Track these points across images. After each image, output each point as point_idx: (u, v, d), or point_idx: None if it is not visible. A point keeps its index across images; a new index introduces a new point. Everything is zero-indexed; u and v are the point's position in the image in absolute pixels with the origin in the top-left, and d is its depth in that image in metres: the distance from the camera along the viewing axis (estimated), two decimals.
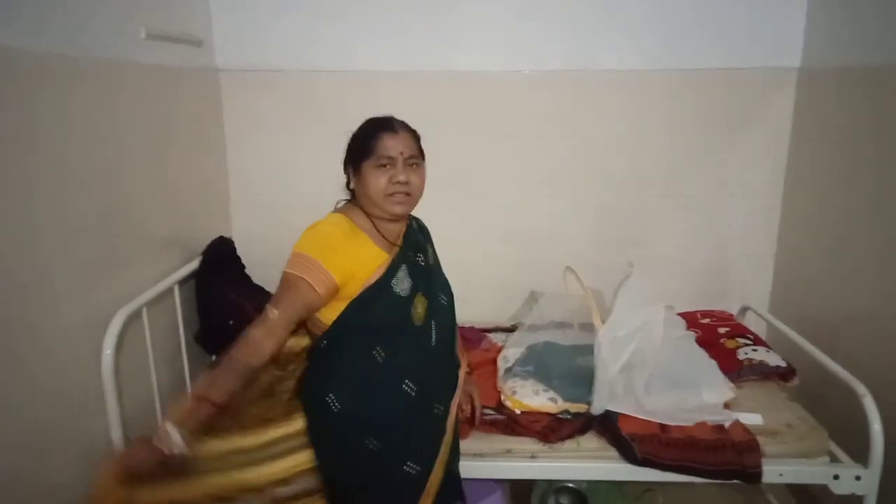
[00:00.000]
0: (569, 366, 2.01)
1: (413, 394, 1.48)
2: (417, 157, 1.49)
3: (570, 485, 2.21)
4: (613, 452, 1.80)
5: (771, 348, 2.22)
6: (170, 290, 2.15)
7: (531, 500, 2.21)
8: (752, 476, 1.74)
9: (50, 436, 1.61)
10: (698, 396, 1.92)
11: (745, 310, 2.58)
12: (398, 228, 1.55)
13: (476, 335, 2.46)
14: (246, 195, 2.75)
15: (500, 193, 2.73)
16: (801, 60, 2.56)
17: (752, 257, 2.78)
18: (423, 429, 1.53)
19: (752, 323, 2.56)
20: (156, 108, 2.12)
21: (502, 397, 1.94)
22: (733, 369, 2.10)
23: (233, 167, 2.72)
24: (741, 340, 2.25)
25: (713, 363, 2.02)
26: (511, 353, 2.18)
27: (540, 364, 2.03)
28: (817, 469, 1.80)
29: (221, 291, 2.34)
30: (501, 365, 2.13)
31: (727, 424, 1.84)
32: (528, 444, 1.82)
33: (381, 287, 1.46)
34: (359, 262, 1.46)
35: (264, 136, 2.68)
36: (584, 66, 2.59)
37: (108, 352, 1.73)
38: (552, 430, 1.82)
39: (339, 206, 1.59)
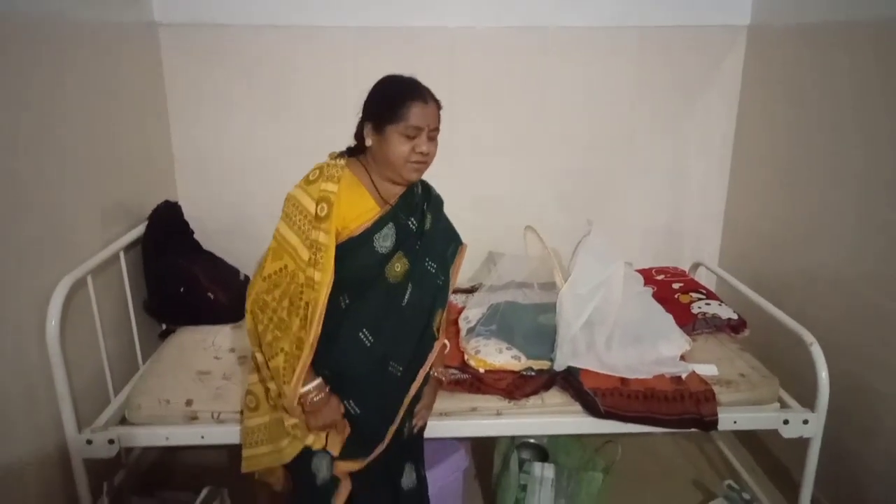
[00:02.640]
0: (531, 324, 2.02)
1: (368, 344, 1.50)
2: (438, 129, 1.48)
3: (532, 440, 2.25)
4: (577, 407, 1.83)
5: (723, 302, 2.28)
6: (115, 258, 2.05)
7: (493, 457, 2.24)
8: (709, 424, 1.81)
9: None
10: (656, 350, 1.96)
11: (696, 266, 2.64)
12: (395, 189, 1.54)
13: None
14: (191, 158, 2.62)
15: (458, 157, 2.68)
16: (750, 18, 2.59)
17: (705, 215, 2.85)
18: (377, 383, 1.54)
19: (703, 279, 2.63)
20: (91, 68, 1.98)
21: (466, 357, 1.94)
22: (688, 323, 2.15)
23: (176, 128, 2.58)
24: (694, 295, 2.31)
25: (669, 317, 2.07)
26: (472, 313, 2.18)
27: (503, 323, 2.03)
28: (768, 415, 1.88)
29: (169, 257, 2.25)
30: (463, 325, 2.12)
31: (684, 376, 1.89)
32: (493, 401, 1.83)
33: (363, 239, 1.48)
34: (353, 213, 1.47)
35: (209, 95, 2.55)
36: (543, 23, 2.56)
37: (53, 323, 1.64)
38: (517, 387, 1.83)
39: (336, 154, 1.55)
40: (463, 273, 2.84)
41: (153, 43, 2.45)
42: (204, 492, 1.85)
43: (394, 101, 1.43)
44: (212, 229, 2.59)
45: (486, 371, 1.88)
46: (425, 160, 1.47)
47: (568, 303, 1.89)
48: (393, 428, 1.57)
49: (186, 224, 2.45)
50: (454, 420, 1.80)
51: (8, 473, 1.58)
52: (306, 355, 1.43)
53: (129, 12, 2.28)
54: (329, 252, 1.42)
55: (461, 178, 2.67)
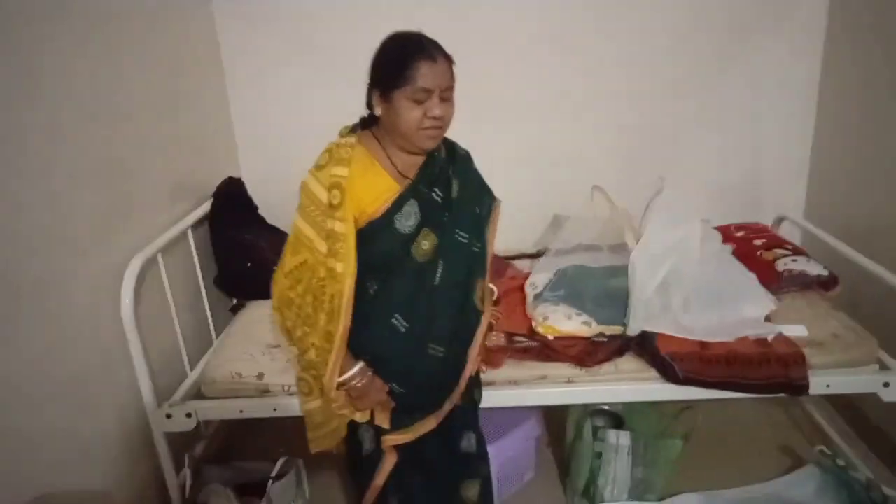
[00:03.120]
0: (601, 288, 1.93)
1: (403, 330, 1.41)
2: (452, 87, 1.33)
3: (606, 407, 2.17)
4: (653, 373, 1.74)
5: (811, 257, 2.12)
6: (184, 235, 2.08)
7: (567, 425, 2.18)
8: (799, 388, 1.69)
9: (81, 389, 1.59)
10: (738, 311, 1.84)
11: (780, 220, 2.47)
12: (415, 160, 1.41)
13: (500, 264, 2.38)
14: (252, 133, 2.63)
15: (518, 119, 2.58)
16: None
17: (787, 163, 2.64)
18: (418, 367, 1.45)
19: (788, 233, 2.46)
20: (147, 41, 1.99)
21: (534, 324, 1.88)
22: (773, 281, 2.01)
23: (235, 104, 2.59)
24: (779, 251, 2.15)
25: (752, 276, 1.94)
26: (539, 278, 2.10)
27: (571, 288, 1.95)
28: (866, 378, 1.74)
29: (235, 233, 2.27)
30: (530, 292, 2.06)
31: (770, 338, 1.77)
32: (563, 369, 1.76)
33: (383, 223, 1.37)
34: (370, 195, 1.36)
35: (266, 70, 2.54)
36: None
37: (128, 300, 1.68)
38: (588, 353, 1.76)
39: (348, 129, 1.44)
40: (528, 237, 2.80)
41: (208, 20, 2.44)
42: (280, 462, 1.89)
43: (397, 62, 1.28)
44: (275, 204, 2.58)
45: (555, 338, 1.81)
46: (440, 125, 1.32)
47: (641, 264, 1.79)
48: (444, 409, 1.50)
49: (251, 199, 2.46)
50: (523, 389, 1.75)
51: (95, 445, 1.64)
52: (338, 348, 1.36)
53: None
54: (349, 241, 1.32)
55: (518, 136, 2.59)
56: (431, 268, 1.42)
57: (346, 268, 1.32)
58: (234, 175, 2.45)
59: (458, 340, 1.49)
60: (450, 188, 1.45)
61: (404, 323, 1.41)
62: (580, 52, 2.50)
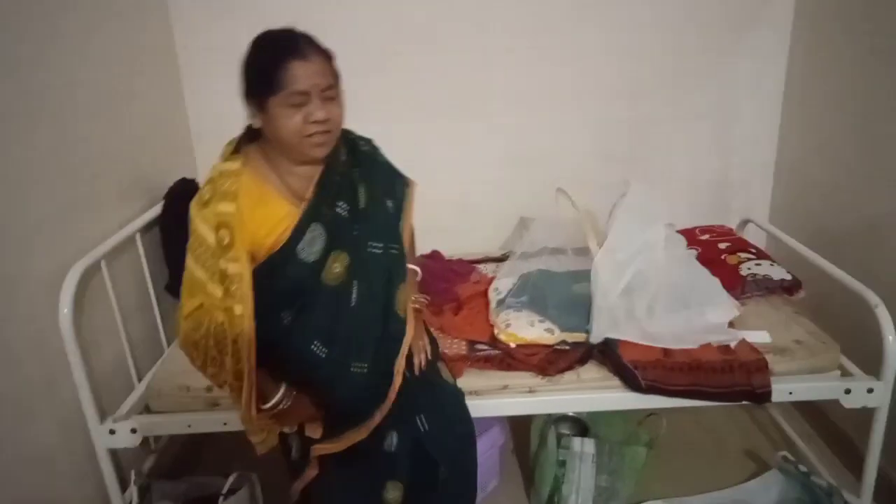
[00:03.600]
0: (565, 294, 1.89)
1: (323, 356, 1.30)
2: (335, 85, 1.22)
3: (571, 414, 2.14)
4: (616, 382, 1.71)
5: (775, 261, 2.11)
6: (132, 240, 1.99)
7: (531, 431, 2.14)
8: (762, 396, 1.67)
9: (20, 402, 1.51)
10: (702, 317, 1.81)
11: (745, 223, 2.46)
12: (310, 173, 1.28)
13: (464, 267, 2.33)
14: (209, 129, 2.51)
15: (489, 115, 2.53)
16: None
17: (754, 166, 2.64)
18: (342, 386, 1.34)
19: (752, 237, 2.45)
20: (98, 38, 1.90)
21: (495, 331, 1.83)
22: (736, 286, 1.99)
23: (191, 100, 2.49)
24: (743, 255, 2.14)
25: (716, 281, 1.91)
26: (503, 283, 2.06)
27: (534, 294, 1.91)
28: (828, 384, 1.72)
29: (188, 237, 2.18)
30: (493, 297, 2.01)
31: (733, 344, 1.74)
32: (525, 378, 1.72)
33: (284, 255, 1.24)
34: (264, 228, 1.24)
35: (224, 62, 2.42)
36: None
37: (66, 311, 1.58)
38: (550, 362, 1.72)
39: (232, 147, 1.29)
40: (494, 240, 2.76)
41: (161, 8, 2.34)
42: (232, 477, 1.82)
43: (266, 66, 1.17)
44: None
45: (517, 346, 1.77)
46: (327, 128, 1.20)
47: (604, 269, 1.75)
48: (375, 419, 1.38)
49: None
50: (485, 399, 1.70)
51: (38, 462, 1.56)
52: (248, 386, 1.24)
53: None
54: (244, 281, 1.19)
55: (489, 133, 2.54)
56: (346, 290, 1.30)
57: (245, 309, 1.20)
58: (190, 176, 2.36)
59: (383, 353, 1.37)
60: (356, 197, 1.32)
61: (324, 349, 1.30)
62: (549, 48, 2.46)
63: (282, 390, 1.31)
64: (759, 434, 2.31)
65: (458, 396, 1.55)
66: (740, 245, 2.22)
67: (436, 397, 1.49)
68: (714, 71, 2.51)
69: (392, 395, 1.38)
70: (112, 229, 1.90)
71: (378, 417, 1.37)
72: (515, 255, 2.17)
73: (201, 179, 2.41)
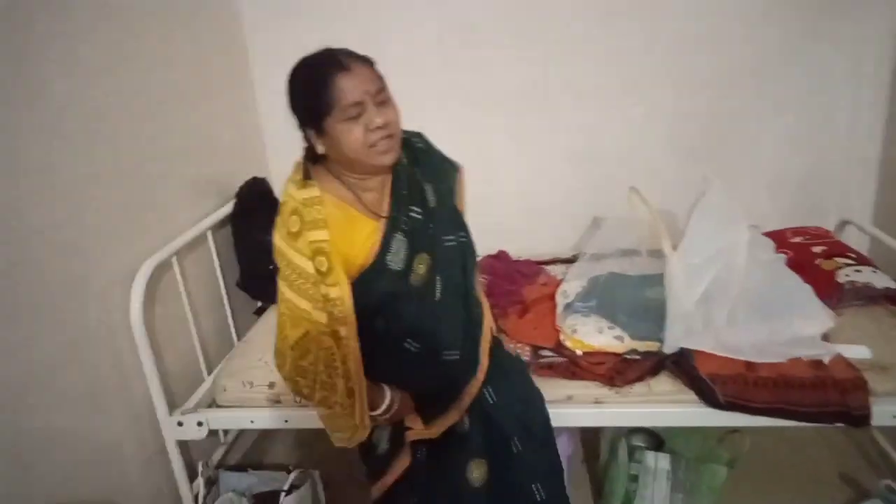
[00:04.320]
0: (637, 299, 1.78)
1: (415, 350, 1.35)
2: (384, 88, 1.21)
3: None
4: (690, 395, 1.58)
5: (877, 268, 1.90)
6: (203, 237, 2.04)
7: (601, 442, 2.04)
8: (859, 419, 1.50)
9: (94, 395, 1.57)
10: (791, 328, 1.66)
11: (844, 224, 2.24)
12: (381, 184, 1.30)
13: (531, 269, 2.25)
14: (280, 131, 2.54)
15: (557, 109, 2.43)
16: None
17: (854, 161, 2.40)
18: (436, 375, 1.39)
19: (853, 240, 2.23)
20: (171, 33, 1.96)
21: (561, 337, 1.75)
22: (832, 294, 1.81)
23: (263, 101, 2.54)
24: (840, 260, 1.94)
25: (807, 288, 1.74)
26: (571, 286, 1.97)
27: (604, 298, 1.81)
28: None
29: (258, 235, 2.20)
30: (560, 301, 1.92)
31: (827, 359, 1.58)
32: (591, 388, 1.62)
33: (376, 270, 1.28)
34: (355, 248, 1.27)
35: (294, 58, 2.46)
36: None
37: (137, 305, 1.63)
38: (618, 372, 1.61)
39: (300, 172, 1.29)
40: (566, 240, 2.66)
41: (235, 12, 2.39)
42: (293, 474, 1.83)
43: (313, 90, 1.17)
44: None
45: (584, 353, 1.68)
46: (389, 132, 1.19)
47: (680, 274, 1.63)
48: (465, 402, 1.40)
49: (275, 200, 2.40)
50: (549, 409, 1.61)
51: (109, 451, 1.62)
52: (361, 401, 1.27)
53: None
54: (346, 303, 1.24)
55: (557, 128, 2.45)
56: (430, 286, 1.34)
57: (349, 329, 1.25)
58: (260, 175, 2.40)
59: (470, 338, 1.42)
60: (425, 198, 1.34)
61: (415, 344, 1.35)
62: (619, 37, 2.33)
63: (388, 396, 1.33)
64: (859, 458, 2.09)
65: (521, 364, 1.58)
66: (838, 249, 2.02)
67: (500, 368, 1.47)
68: (804, 58, 2.29)
69: (481, 376, 1.41)
70: (184, 227, 1.95)
71: (467, 400, 1.39)
72: (584, 257, 2.07)
73: (273, 179, 2.46)
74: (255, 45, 2.46)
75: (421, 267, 1.32)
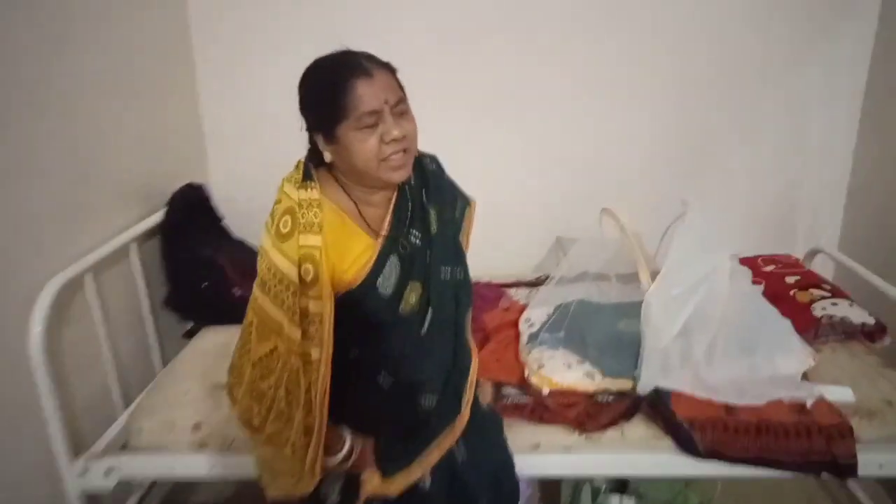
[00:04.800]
0: (609, 331, 1.64)
1: (387, 386, 1.19)
2: (404, 99, 1.11)
3: None
4: (667, 442, 1.44)
5: (853, 300, 1.82)
6: (125, 249, 1.80)
7: (562, 484, 1.89)
8: (845, 469, 1.39)
9: None
10: (771, 365, 1.55)
11: (813, 253, 2.17)
12: (385, 200, 1.18)
13: (492, 292, 2.09)
14: (223, 133, 2.34)
15: (522, 120, 2.29)
16: None
17: (822, 188, 2.34)
18: (407, 420, 1.23)
19: (820, 269, 2.16)
20: (106, 24, 1.73)
21: (526, 372, 1.59)
22: (809, 329, 1.71)
23: (206, 100, 2.30)
24: (816, 292, 1.85)
25: (787, 322, 1.64)
26: (536, 314, 1.81)
27: (573, 328, 1.66)
28: None
29: (192, 247, 1.99)
30: (524, 329, 1.77)
31: (810, 403, 1.47)
32: (559, 434, 1.47)
33: (364, 291, 1.13)
34: (345, 261, 1.13)
35: (243, 60, 2.25)
36: None
37: (37, 330, 1.39)
38: (590, 415, 1.46)
39: (301, 172, 1.15)
40: (527, 261, 2.51)
41: (179, 3, 2.17)
42: None
43: (329, 92, 1.06)
44: (245, 212, 2.32)
45: (551, 391, 1.52)
46: (404, 146, 1.09)
47: (657, 306, 1.49)
48: (432, 459, 1.24)
49: (213, 209, 2.18)
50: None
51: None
52: (317, 441, 1.11)
53: None
54: (325, 323, 1.09)
55: (523, 140, 2.30)
56: (418, 318, 1.20)
57: (323, 353, 1.08)
58: (198, 181, 2.17)
59: (452, 385, 1.26)
60: (427, 223, 1.22)
61: (390, 380, 1.19)
62: (590, 45, 2.21)
63: (348, 441, 1.18)
64: None
65: (499, 421, 1.39)
66: (811, 280, 1.94)
67: (477, 422, 1.30)
68: (781, 80, 2.23)
69: (458, 429, 1.26)
70: (104, 238, 1.71)
71: (436, 455, 1.24)
72: (552, 281, 1.92)
73: (212, 186, 2.24)
74: (200, 36, 2.23)
75: (412, 296, 1.18)
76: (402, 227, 1.18)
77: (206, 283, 1.98)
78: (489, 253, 2.34)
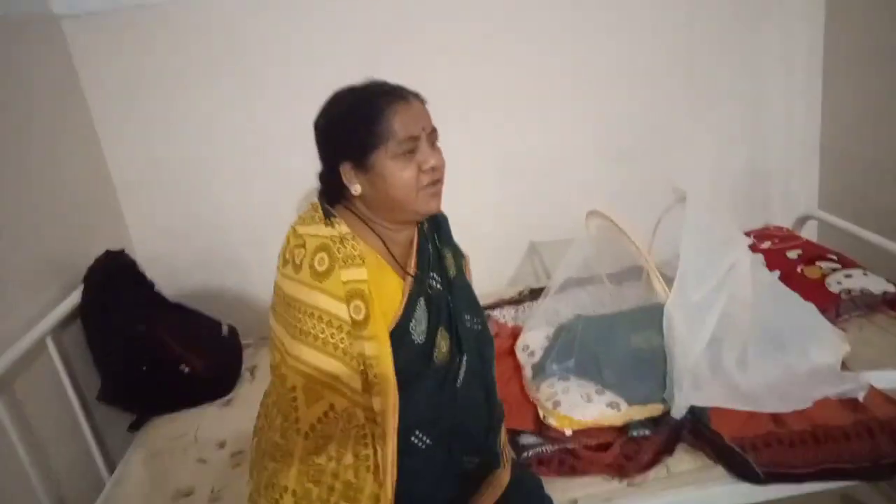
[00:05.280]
0: (622, 349, 1.44)
1: (424, 447, 1.06)
2: (436, 130, 1.05)
3: None
4: (717, 470, 1.25)
5: (864, 268, 1.69)
6: (41, 345, 1.49)
7: None
8: None
9: None
10: (807, 359, 1.38)
11: (804, 220, 2.04)
12: (408, 239, 1.09)
13: None
14: (137, 182, 2.02)
15: (473, 119, 2.06)
16: None
17: (793, 151, 2.23)
18: (446, 487, 1.09)
19: (805, 232, 2.04)
20: None
21: (541, 412, 1.38)
22: (829, 308, 1.57)
23: (111, 152, 1.99)
24: (824, 265, 1.71)
25: (812, 308, 1.48)
26: (533, 338, 1.61)
27: (583, 354, 1.45)
28: None
29: (122, 326, 1.69)
30: (525, 360, 1.56)
31: (861, 396, 1.31)
32: (598, 484, 1.25)
33: (400, 335, 1.02)
34: (383, 303, 1.02)
35: (142, 96, 1.94)
36: None
37: None
38: (627, 457, 1.26)
39: (319, 211, 1.03)
40: (501, 274, 2.31)
41: (59, 42, 1.85)
42: None
43: (367, 117, 0.98)
44: (180, 271, 2.04)
45: (574, 432, 1.31)
46: (438, 176, 1.02)
47: (679, 320, 1.30)
48: None
49: (140, 275, 1.87)
50: None
51: None
52: None
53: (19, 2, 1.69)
54: (386, 363, 0.96)
55: (478, 143, 2.07)
56: (453, 368, 1.09)
57: (390, 401, 0.96)
58: (116, 246, 1.85)
59: (488, 445, 1.15)
60: (444, 266, 1.14)
61: (426, 440, 1.06)
62: (535, 31, 2.02)
63: None
64: None
65: (539, 482, 1.22)
66: (813, 251, 1.80)
67: (518, 485, 1.17)
68: (734, 45, 2.11)
69: (499, 489, 1.14)
70: (10, 337, 1.40)
71: None
72: (543, 301, 1.70)
73: (135, 249, 1.94)
74: (91, 81, 1.91)
75: (443, 344, 1.08)
76: (427, 268, 1.10)
77: (146, 366, 1.69)
78: None
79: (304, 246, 0.96)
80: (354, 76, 1.03)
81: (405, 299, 1.03)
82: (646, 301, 1.57)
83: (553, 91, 2.09)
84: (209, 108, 1.95)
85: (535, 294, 1.95)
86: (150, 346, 1.71)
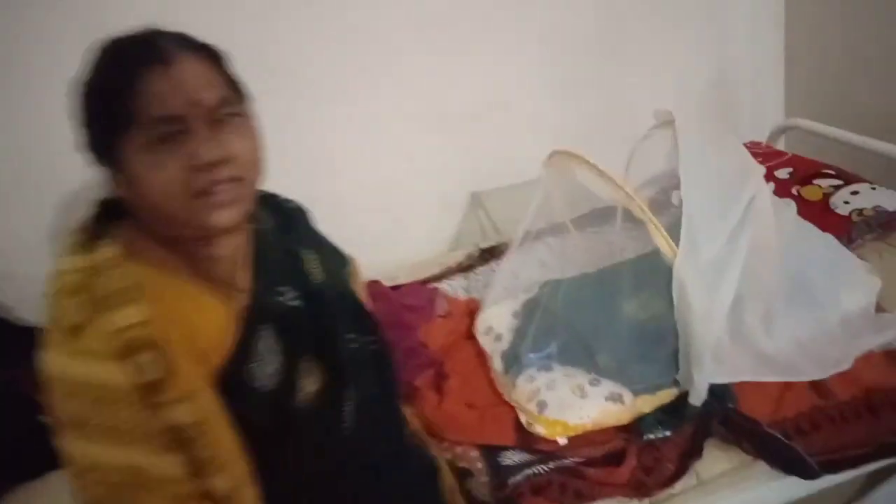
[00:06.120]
0: (613, 322, 1.14)
1: None
2: (232, 99, 0.72)
3: None
4: (760, 466, 0.98)
5: (868, 181, 1.45)
6: None
7: None
8: None
9: None
10: (837, 307, 1.12)
11: (782, 131, 1.78)
12: (233, 245, 0.77)
13: (421, 295, 1.52)
14: None
15: (399, 62, 1.66)
16: None
17: (757, 61, 1.98)
18: None
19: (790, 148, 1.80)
20: None
21: (524, 419, 1.07)
22: (841, 233, 1.31)
23: None
24: (823, 183, 1.46)
25: (832, 240, 1.22)
26: (496, 317, 1.29)
27: (564, 332, 1.14)
28: None
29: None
30: (490, 346, 1.24)
31: None
32: None
33: (235, 386, 0.74)
34: (196, 346, 0.72)
35: None
36: None
37: None
38: (646, 469, 0.96)
39: (85, 234, 0.73)
40: (442, 232, 1.97)
41: None
42: None
43: (109, 87, 0.68)
44: (34, 293, 1.58)
45: (570, 441, 1.02)
46: (232, 172, 0.69)
47: (693, 286, 0.99)
48: None
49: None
50: None
51: None
52: None
53: None
54: (217, 424, 0.70)
55: (413, 87, 1.70)
56: (333, 409, 0.82)
57: (237, 472, 0.71)
58: None
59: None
60: (305, 272, 0.86)
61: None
62: None
63: None
64: None
65: None
66: (807, 168, 1.54)
67: None
68: None
69: None
70: None
71: None
72: (501, 265, 1.38)
73: None
74: None
75: (309, 382, 0.81)
76: (273, 280, 0.82)
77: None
78: (397, 236, 1.82)
79: (58, 286, 0.67)
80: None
81: (238, 334, 0.74)
82: (627, 251, 1.27)
83: (487, 15, 1.71)
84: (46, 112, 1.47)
85: (486, 255, 1.63)
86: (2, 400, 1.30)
